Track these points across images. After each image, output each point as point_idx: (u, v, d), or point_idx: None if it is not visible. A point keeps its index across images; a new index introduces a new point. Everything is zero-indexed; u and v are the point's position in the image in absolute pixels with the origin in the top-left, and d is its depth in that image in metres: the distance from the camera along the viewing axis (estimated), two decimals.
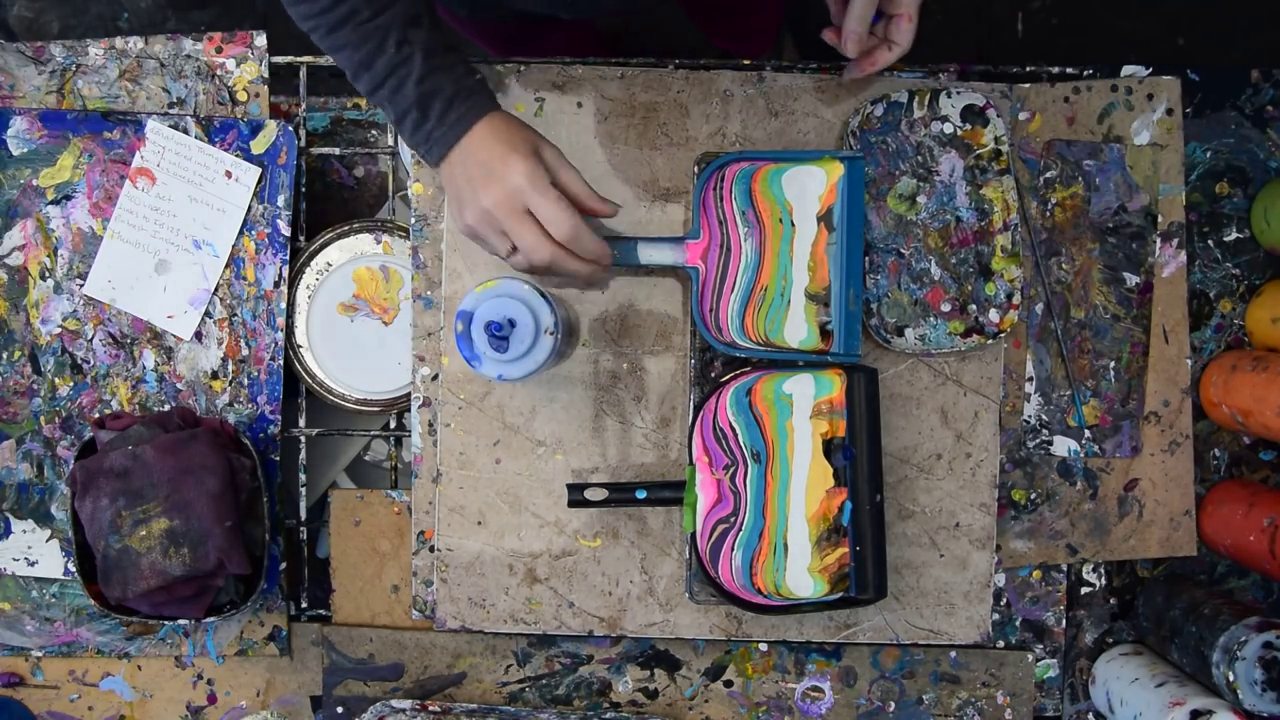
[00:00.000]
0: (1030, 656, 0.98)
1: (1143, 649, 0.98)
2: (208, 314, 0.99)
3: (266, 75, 1.01)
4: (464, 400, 0.95)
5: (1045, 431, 0.97)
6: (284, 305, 0.99)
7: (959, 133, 0.92)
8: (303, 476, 1.01)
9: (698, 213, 0.90)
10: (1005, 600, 0.99)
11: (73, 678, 1.01)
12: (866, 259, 0.92)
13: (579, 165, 0.94)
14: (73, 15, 1.84)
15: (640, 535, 0.95)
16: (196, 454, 0.91)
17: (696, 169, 0.94)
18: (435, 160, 0.81)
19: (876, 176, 0.93)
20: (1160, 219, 0.97)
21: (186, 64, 1.01)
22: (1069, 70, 0.99)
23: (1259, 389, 0.91)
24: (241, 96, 1.01)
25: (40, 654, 1.00)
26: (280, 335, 0.99)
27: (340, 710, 0.99)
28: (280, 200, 0.99)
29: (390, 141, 1.04)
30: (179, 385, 0.99)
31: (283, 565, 0.99)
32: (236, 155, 0.98)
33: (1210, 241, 0.99)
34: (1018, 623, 0.99)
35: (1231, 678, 0.86)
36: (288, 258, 0.99)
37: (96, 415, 0.99)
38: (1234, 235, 0.99)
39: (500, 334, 0.81)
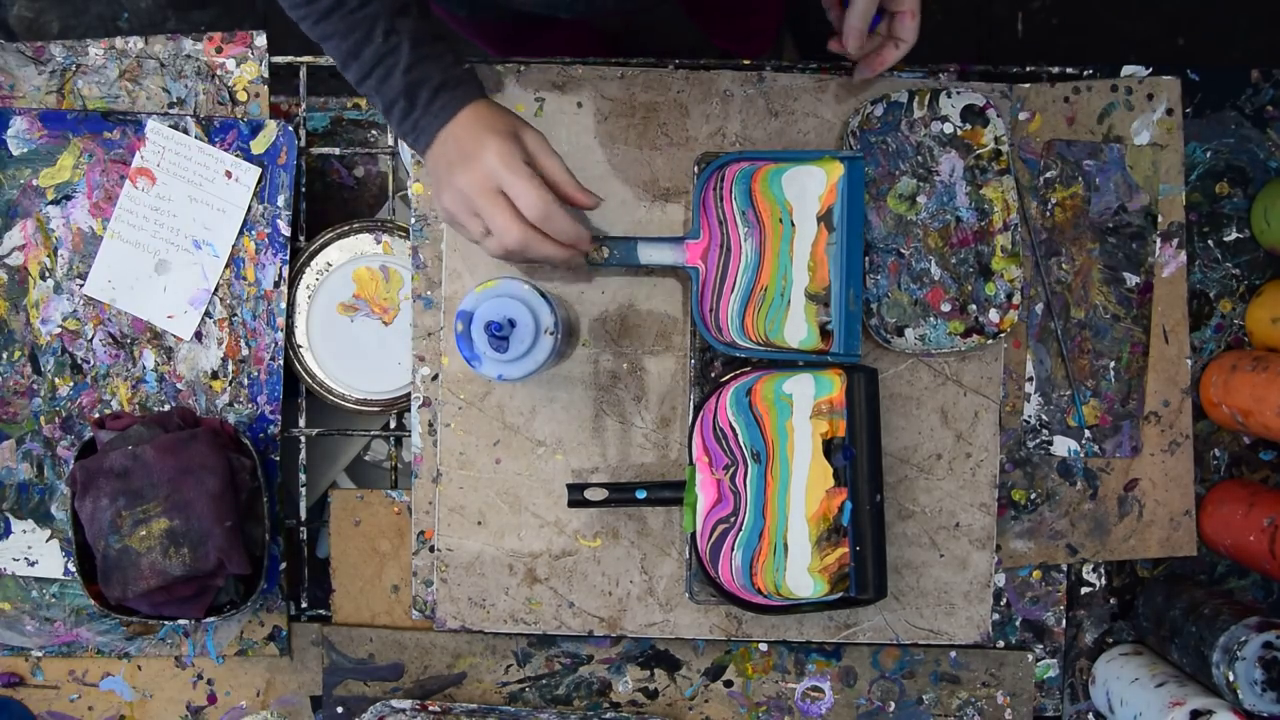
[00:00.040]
0: (1030, 656, 0.98)
1: (1143, 649, 0.98)
2: (208, 314, 0.99)
3: (266, 75, 1.01)
4: (464, 400, 0.95)
5: (1045, 431, 0.97)
6: (284, 305, 0.99)
7: (959, 133, 0.92)
8: (303, 476, 1.01)
9: (698, 213, 0.90)
10: (1005, 600, 0.99)
11: (73, 678, 1.01)
12: (866, 259, 0.92)
13: (579, 165, 0.94)
14: (73, 15, 1.84)
15: (640, 535, 0.95)
16: (196, 454, 0.91)
17: (696, 169, 0.94)
18: (422, 148, 0.81)
19: (876, 176, 0.93)
20: (1160, 219, 0.97)
21: (186, 64, 1.01)
22: (1069, 70, 0.99)
23: (1259, 389, 0.91)
24: (241, 96, 1.01)
25: (40, 654, 1.00)
26: (280, 335, 0.99)
27: (340, 710, 0.99)
28: (280, 200, 0.99)
29: (390, 141, 1.04)
30: (179, 385, 0.99)
31: (283, 565, 0.99)
32: (236, 155, 0.98)
33: (1210, 241, 0.99)
34: (1018, 623, 0.99)
35: (1231, 678, 0.86)
36: (288, 258, 0.99)
37: (96, 415, 0.99)
38: (1234, 235, 0.99)
39: (500, 334, 0.81)
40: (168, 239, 0.99)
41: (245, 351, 0.99)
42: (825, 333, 0.89)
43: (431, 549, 0.98)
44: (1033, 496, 0.98)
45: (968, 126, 0.92)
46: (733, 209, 0.90)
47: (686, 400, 0.95)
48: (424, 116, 0.80)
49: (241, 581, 0.96)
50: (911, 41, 0.86)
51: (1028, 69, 1.00)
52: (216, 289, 0.99)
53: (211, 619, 0.95)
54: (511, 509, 0.96)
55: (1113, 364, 0.97)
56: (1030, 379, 0.98)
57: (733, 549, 0.89)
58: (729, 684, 0.99)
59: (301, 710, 1.01)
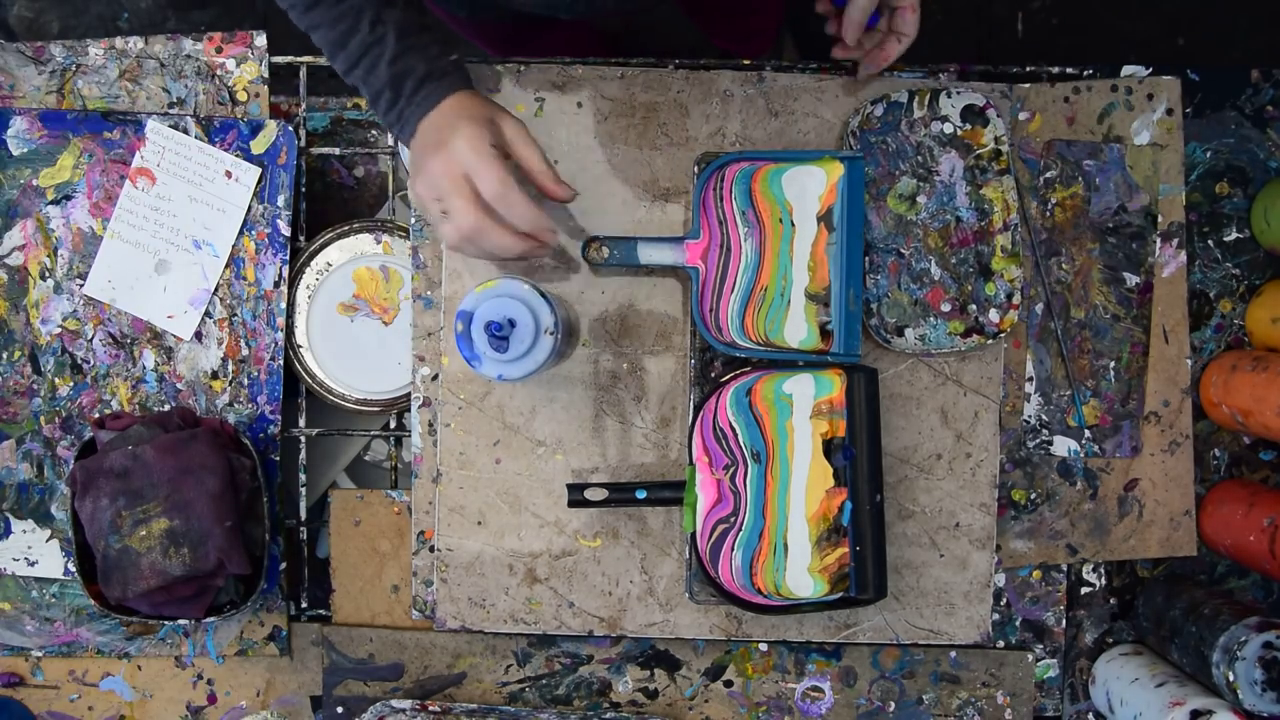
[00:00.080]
0: (1030, 656, 0.98)
1: (1143, 649, 0.98)
2: (208, 314, 0.99)
3: (266, 75, 1.01)
4: (464, 400, 0.95)
5: (1045, 431, 0.97)
6: (284, 305, 0.99)
7: (959, 133, 0.92)
8: (303, 476, 1.01)
9: (698, 213, 0.90)
10: (1005, 600, 0.99)
11: (73, 678, 1.01)
12: (866, 259, 0.92)
13: (579, 165, 0.94)
14: (73, 15, 1.84)
15: (640, 535, 0.95)
16: (196, 454, 0.91)
17: (696, 169, 0.94)
18: (406, 138, 0.81)
19: (876, 176, 0.93)
20: (1160, 219, 0.97)
21: (186, 64, 1.01)
22: (1069, 70, 0.99)
23: (1259, 389, 0.91)
24: (241, 96, 1.01)
25: (40, 654, 1.00)
26: (280, 335, 0.99)
27: (340, 710, 0.99)
28: (280, 200, 0.99)
29: (390, 142, 1.04)
30: (179, 385, 0.99)
31: (283, 565, 0.99)
32: (236, 155, 0.98)
33: (1210, 241, 0.99)
34: (1018, 623, 0.99)
35: (1231, 678, 0.86)
36: (288, 258, 0.99)
37: (96, 415, 0.99)
38: (1234, 235, 0.99)
39: (500, 334, 0.81)
40: (168, 239, 0.99)
41: (245, 351, 0.99)
42: (825, 333, 0.89)
43: (431, 549, 0.98)
44: (1033, 496, 0.98)
45: (968, 126, 0.92)
46: (733, 209, 0.90)
47: (686, 400, 0.95)
48: (408, 107, 0.80)
49: (241, 581, 0.96)
50: (912, 35, 0.86)
51: (1028, 69, 1.00)
52: (216, 289, 0.99)
53: (211, 619, 0.95)
54: (511, 509, 0.96)
55: (1113, 364, 0.97)
56: (1030, 379, 0.98)
57: (733, 549, 0.89)
58: (729, 684, 0.99)
59: (301, 710, 1.01)
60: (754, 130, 0.95)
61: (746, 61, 0.98)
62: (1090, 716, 1.01)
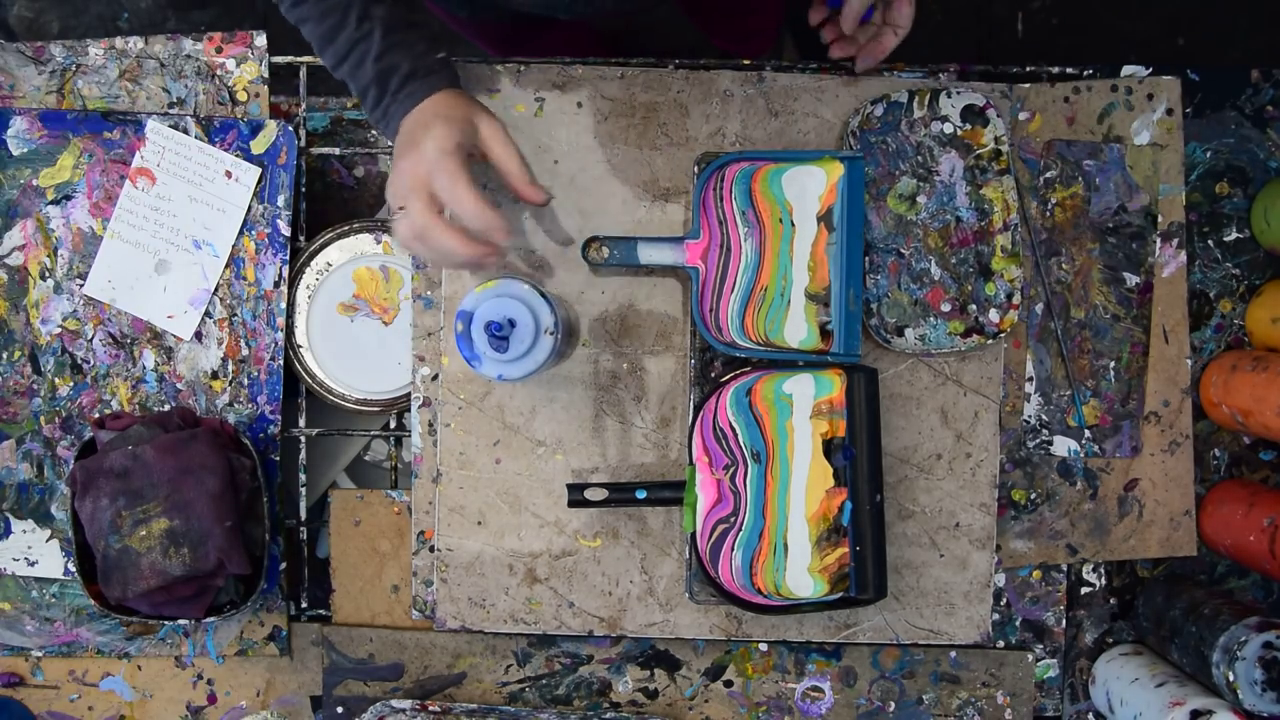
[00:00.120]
0: (1030, 656, 0.98)
1: (1143, 649, 0.98)
2: (208, 314, 0.99)
3: (266, 75, 1.01)
4: (464, 400, 0.95)
5: (1045, 431, 0.97)
6: (284, 305, 0.99)
7: (959, 133, 0.92)
8: (303, 476, 1.01)
9: (698, 213, 0.90)
10: (1005, 600, 0.99)
11: (73, 678, 1.01)
12: (866, 259, 0.92)
13: (579, 165, 0.94)
14: (73, 15, 1.84)
15: (640, 535, 0.95)
16: (196, 454, 0.91)
17: (696, 169, 0.94)
18: (390, 135, 0.82)
19: (876, 176, 0.93)
20: (1160, 219, 0.97)
21: (186, 64, 1.01)
22: (1069, 70, 0.99)
23: (1259, 389, 0.91)
24: (241, 96, 1.01)
25: (40, 654, 1.00)
26: (280, 335, 0.99)
27: (340, 710, 0.99)
28: (280, 200, 0.99)
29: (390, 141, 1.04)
30: (179, 385, 0.99)
31: (283, 565, 0.99)
32: (236, 155, 0.98)
33: (1210, 241, 0.99)
34: (1018, 623, 0.99)
35: (1231, 678, 0.86)
36: (288, 258, 0.99)
37: (96, 415, 0.99)
38: (1234, 235, 0.99)
39: (500, 334, 0.81)
40: (168, 239, 0.99)
41: (245, 351, 0.99)
42: (825, 333, 0.89)
43: (431, 549, 0.98)
44: (1033, 496, 0.98)
45: (968, 126, 0.92)
46: (733, 209, 0.90)
47: (686, 400, 0.95)
48: (393, 103, 0.80)
49: (241, 581, 0.96)
50: (907, 27, 0.86)
51: (1028, 69, 1.00)
52: (216, 289, 0.99)
53: (211, 619, 0.95)
54: (511, 509, 0.96)
55: (1113, 364, 0.97)
56: (1030, 379, 0.98)
57: (733, 549, 0.89)
58: (729, 684, 0.99)
59: (301, 710, 1.01)
60: (754, 130, 0.95)
61: (746, 61, 0.98)
62: (1090, 716, 1.01)
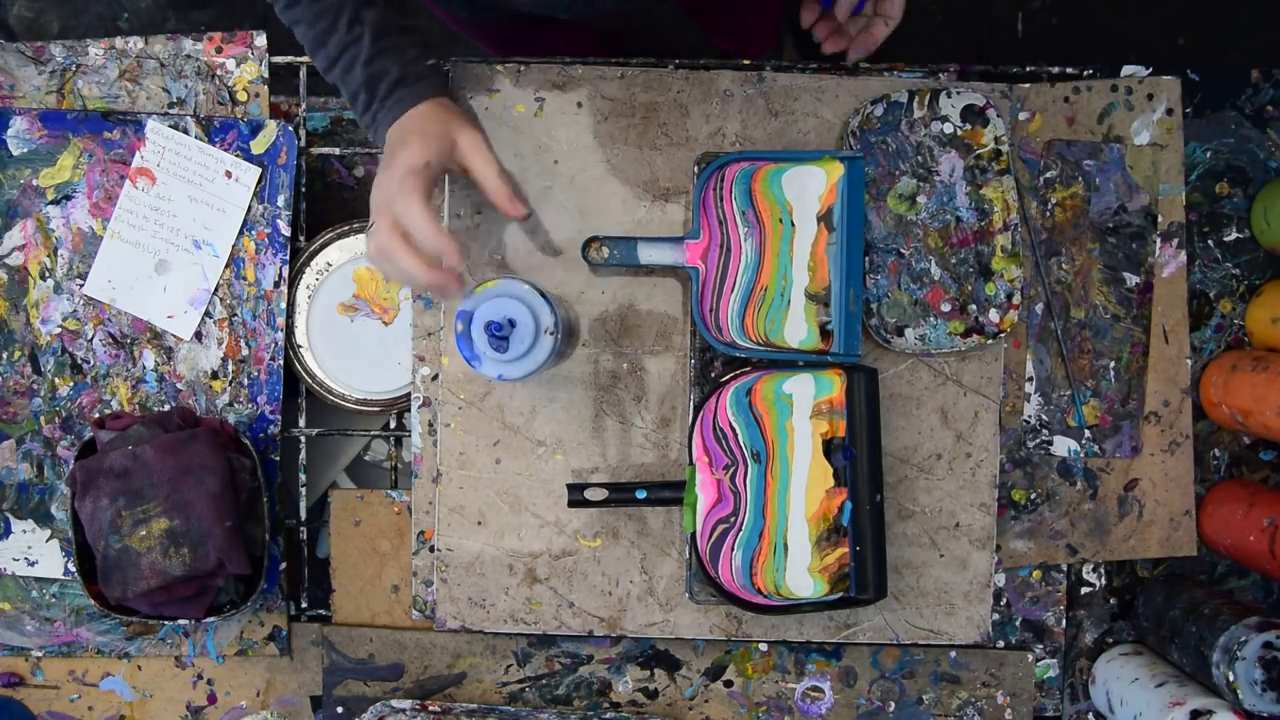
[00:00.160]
0: (1030, 656, 0.98)
1: (1143, 649, 0.98)
2: (208, 314, 0.99)
3: (266, 75, 1.01)
4: (464, 400, 0.95)
5: (1045, 431, 0.97)
6: (284, 305, 0.99)
7: (959, 133, 0.92)
8: (303, 476, 1.01)
9: (698, 213, 0.90)
10: (1005, 600, 0.99)
11: (73, 678, 1.01)
12: (866, 259, 0.92)
13: (579, 165, 0.94)
14: (73, 15, 1.84)
15: (640, 535, 0.95)
16: (196, 454, 0.91)
17: (696, 169, 0.94)
18: (380, 141, 0.82)
19: (876, 176, 0.93)
20: (1160, 219, 0.97)
21: (186, 64, 1.01)
22: (1069, 70, 0.99)
23: (1259, 389, 0.91)
24: (241, 96, 1.01)
25: (40, 654, 1.00)
26: (280, 335, 0.99)
27: (340, 710, 0.99)
28: (280, 200, 0.99)
29: None
30: (179, 385, 0.99)
31: (283, 565, 0.99)
32: (236, 155, 0.98)
33: (1210, 241, 0.99)
34: (1018, 623, 0.99)
35: (1231, 678, 0.86)
36: (288, 258, 0.99)
37: (96, 415, 0.99)
38: (1234, 235, 0.99)
39: (500, 334, 0.81)
40: (168, 239, 0.99)
41: (245, 351, 0.99)
42: (825, 333, 0.89)
43: (431, 549, 0.98)
44: (1033, 496, 0.98)
45: (968, 126, 0.92)
46: (733, 209, 0.90)
47: (686, 400, 0.95)
48: (381, 109, 0.80)
49: (241, 581, 0.96)
50: (898, 18, 0.86)
51: (1028, 69, 1.00)
52: (216, 289, 0.99)
53: (211, 619, 0.95)
54: (511, 509, 0.96)
55: (1113, 364, 0.97)
56: (1030, 379, 0.98)
57: (733, 549, 0.89)
58: (729, 684, 0.99)
59: (301, 710, 1.01)
60: (754, 130, 0.95)
61: (746, 61, 0.98)
62: (1090, 716, 1.01)
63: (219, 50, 1.01)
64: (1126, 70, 0.98)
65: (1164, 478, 0.98)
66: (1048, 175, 0.97)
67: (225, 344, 0.99)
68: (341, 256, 1.00)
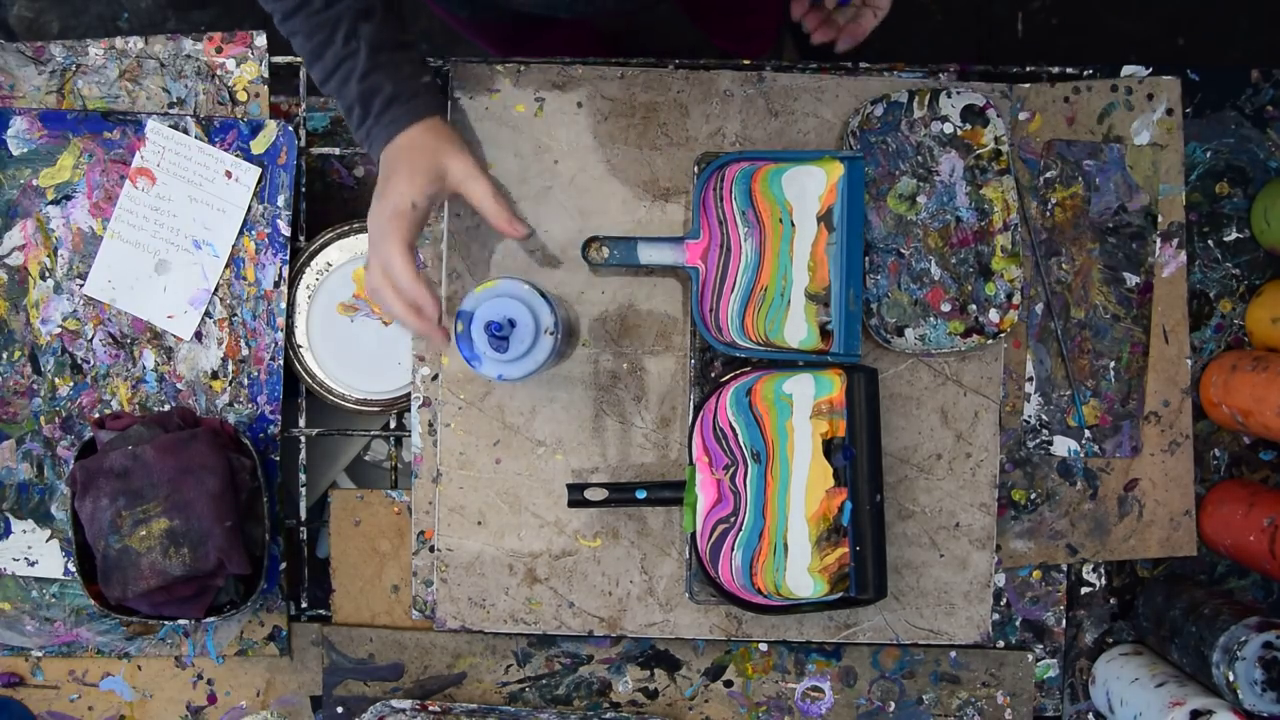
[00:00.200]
0: (1030, 656, 0.98)
1: (1143, 649, 0.98)
2: (208, 314, 0.99)
3: (266, 75, 1.01)
4: (464, 400, 0.95)
5: (1045, 431, 0.97)
6: (284, 305, 0.99)
7: (959, 133, 0.92)
8: (303, 476, 1.01)
9: (698, 213, 0.90)
10: (1005, 600, 0.99)
11: (73, 678, 1.01)
12: (866, 259, 0.92)
13: (579, 165, 0.94)
14: (73, 15, 1.84)
15: (640, 535, 0.95)
16: (196, 454, 0.91)
17: (696, 169, 0.94)
18: (374, 157, 0.82)
19: (876, 176, 0.93)
20: (1160, 219, 0.97)
21: (186, 64, 1.01)
22: (1069, 70, 0.99)
23: (1259, 389, 0.91)
24: (241, 96, 1.01)
25: (40, 654, 1.00)
26: (280, 335, 0.99)
27: (340, 710, 0.99)
28: (280, 200, 0.99)
29: None
30: (179, 385, 0.99)
31: (283, 565, 0.99)
32: (236, 155, 0.98)
33: (1210, 241, 0.99)
34: (1018, 623, 0.99)
35: (1231, 678, 0.86)
36: (288, 258, 0.99)
37: (96, 415, 0.99)
38: (1234, 235, 0.99)
39: (500, 334, 0.81)
40: (168, 239, 0.99)
41: (245, 351, 0.99)
42: (825, 333, 0.89)
43: (431, 549, 0.98)
44: (1033, 496, 0.98)
45: (968, 126, 0.92)
46: (733, 209, 0.90)
47: (686, 400, 0.95)
48: (375, 126, 0.81)
49: (241, 581, 0.96)
50: (886, 8, 0.86)
51: (1028, 69, 1.00)
52: (216, 289, 0.99)
53: (211, 619, 0.95)
54: (511, 509, 0.96)
55: (1113, 364, 0.97)
56: (1030, 379, 0.98)
57: (733, 549, 0.89)
58: (729, 684, 0.99)
59: (301, 710, 1.01)
60: (754, 130, 0.95)
61: (746, 61, 0.98)
62: (1090, 716, 1.01)
63: (219, 50, 1.01)
64: (1126, 70, 0.98)
65: (1164, 478, 0.98)
66: (1048, 175, 0.97)
67: (225, 344, 0.99)
68: (341, 256, 1.00)
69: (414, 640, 0.99)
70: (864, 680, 0.98)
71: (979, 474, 0.95)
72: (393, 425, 1.03)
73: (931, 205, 0.93)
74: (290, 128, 0.99)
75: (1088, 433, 0.97)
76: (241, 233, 0.99)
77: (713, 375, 0.94)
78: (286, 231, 0.99)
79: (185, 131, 0.99)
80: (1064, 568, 0.99)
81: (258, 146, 0.99)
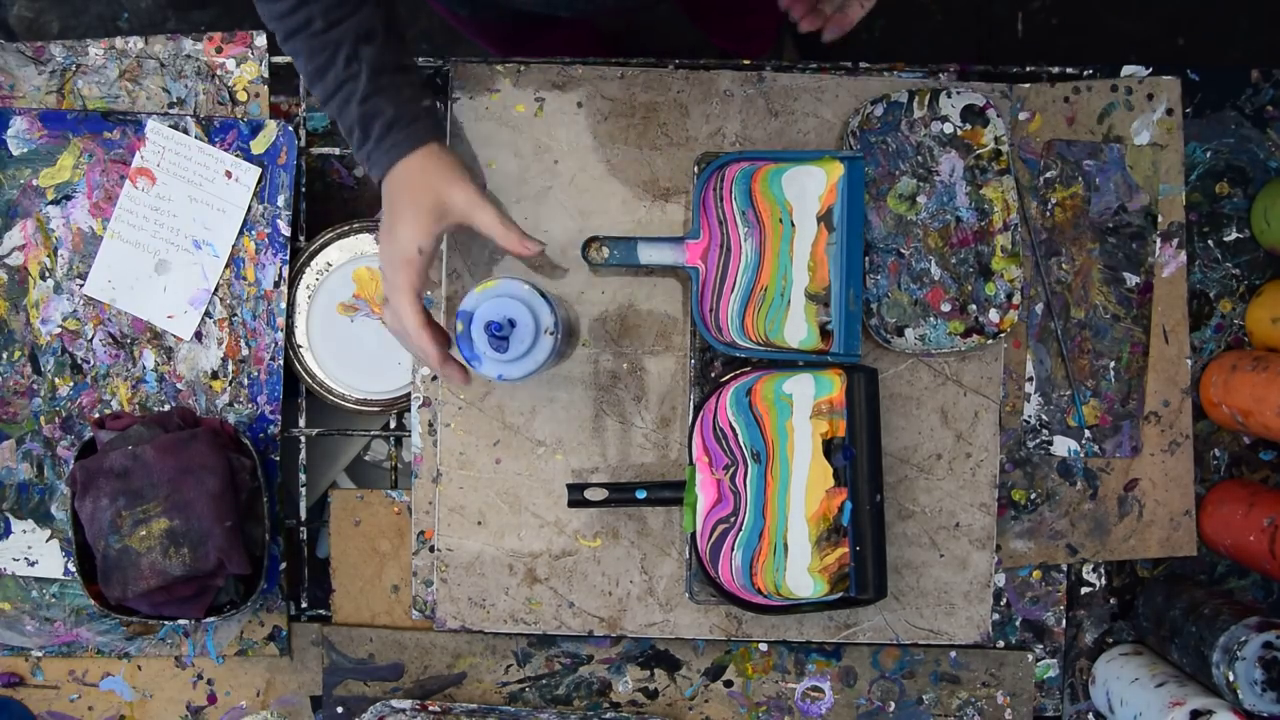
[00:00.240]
0: (1030, 656, 0.98)
1: (1143, 649, 0.98)
2: (208, 314, 0.99)
3: (266, 75, 1.01)
4: (464, 400, 0.95)
5: (1045, 431, 0.97)
6: (284, 305, 0.99)
7: (959, 133, 0.92)
8: (303, 476, 1.01)
9: (698, 213, 0.90)
10: (1005, 600, 0.99)
11: (73, 678, 1.01)
12: (866, 259, 0.92)
13: (579, 165, 0.94)
14: (73, 15, 1.84)
15: (640, 535, 0.95)
16: (196, 454, 0.91)
17: (696, 169, 0.94)
18: (376, 180, 0.82)
19: (876, 176, 0.93)
20: (1160, 219, 0.97)
21: (186, 64, 1.01)
22: (1069, 70, 0.99)
23: (1259, 389, 0.91)
24: (241, 96, 1.01)
25: (40, 654, 1.00)
26: (280, 335, 0.99)
27: (340, 710, 0.99)
28: (280, 200, 0.99)
29: None
30: (179, 385, 0.99)
31: (283, 565, 0.99)
32: (236, 155, 0.98)
33: (1210, 241, 0.99)
34: (1018, 623, 0.99)
35: (1231, 678, 0.86)
36: (288, 258, 0.99)
37: (96, 415, 0.99)
38: (1234, 235, 0.99)
39: (500, 334, 0.81)
40: (168, 239, 0.99)
41: (245, 351, 0.99)
42: (825, 333, 0.89)
43: (431, 549, 0.98)
44: (1033, 496, 0.98)
45: (968, 126, 0.92)
46: (733, 209, 0.90)
47: (686, 400, 0.95)
48: (375, 150, 0.81)
49: (241, 581, 0.96)
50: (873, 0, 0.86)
51: (1028, 69, 1.00)
52: (216, 289, 0.99)
53: (211, 619, 0.95)
54: (511, 509, 0.96)
55: (1113, 364, 0.97)
56: (1030, 379, 0.98)
57: (733, 549, 0.89)
58: (729, 684, 0.99)
59: (301, 710, 1.01)
60: (754, 130, 0.95)
61: (746, 61, 0.98)
62: (1090, 716, 1.01)
63: (219, 50, 1.01)
64: (1126, 70, 0.98)
65: (1164, 478, 0.98)
66: (1048, 175, 0.97)
67: (225, 344, 0.99)
68: (341, 256, 1.00)
69: (414, 640, 0.99)
70: (864, 680, 0.98)
71: (979, 474, 0.95)
72: (393, 425, 1.03)
73: (931, 205, 0.93)
74: (290, 128, 0.99)
75: (1088, 433, 0.97)
76: (241, 233, 0.99)
77: (713, 375, 0.94)
78: (286, 231, 0.99)
79: (185, 131, 0.99)
80: (1064, 568, 0.99)
81: (258, 146, 0.99)
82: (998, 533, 0.96)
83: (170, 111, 1.00)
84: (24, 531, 1.00)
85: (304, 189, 1.01)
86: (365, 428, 1.04)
